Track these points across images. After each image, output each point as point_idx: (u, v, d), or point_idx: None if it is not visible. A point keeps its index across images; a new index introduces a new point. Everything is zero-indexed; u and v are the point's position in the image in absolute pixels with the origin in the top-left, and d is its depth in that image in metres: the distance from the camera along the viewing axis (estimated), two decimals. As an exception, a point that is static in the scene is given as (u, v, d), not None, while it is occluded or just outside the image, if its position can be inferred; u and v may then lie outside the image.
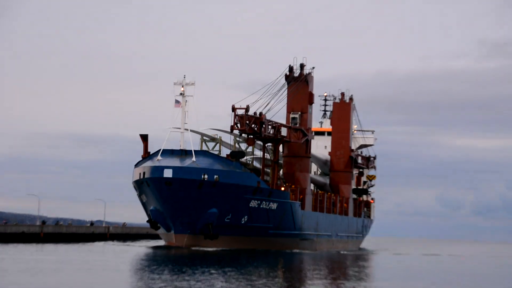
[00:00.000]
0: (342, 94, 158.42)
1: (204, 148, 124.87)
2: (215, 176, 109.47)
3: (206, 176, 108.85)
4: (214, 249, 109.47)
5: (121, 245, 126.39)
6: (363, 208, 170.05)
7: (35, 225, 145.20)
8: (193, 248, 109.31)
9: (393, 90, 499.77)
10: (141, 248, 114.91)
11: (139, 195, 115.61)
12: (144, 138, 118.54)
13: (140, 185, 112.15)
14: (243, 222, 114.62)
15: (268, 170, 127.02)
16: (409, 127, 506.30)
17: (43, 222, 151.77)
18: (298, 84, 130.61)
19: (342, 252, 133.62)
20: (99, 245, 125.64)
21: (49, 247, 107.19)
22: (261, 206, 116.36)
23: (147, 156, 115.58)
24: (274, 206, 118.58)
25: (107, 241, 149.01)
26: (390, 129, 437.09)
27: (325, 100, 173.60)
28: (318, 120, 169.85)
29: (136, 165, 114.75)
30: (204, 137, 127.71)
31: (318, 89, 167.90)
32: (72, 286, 51.08)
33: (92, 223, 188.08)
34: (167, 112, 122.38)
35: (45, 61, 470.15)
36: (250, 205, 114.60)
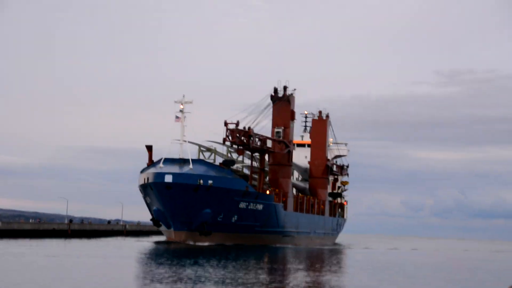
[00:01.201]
0: (320, 112, 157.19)
1: (201, 157, 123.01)
2: (209, 181, 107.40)
3: (201, 181, 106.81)
4: (208, 244, 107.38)
5: (133, 241, 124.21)
6: (337, 209, 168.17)
7: (64, 223, 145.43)
8: (190, 243, 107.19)
9: (366, 111, 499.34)
10: (148, 243, 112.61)
11: (144, 197, 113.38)
12: (149, 148, 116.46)
13: (144, 188, 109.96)
14: (233, 220, 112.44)
15: (256, 176, 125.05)
16: (378, 142, 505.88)
17: (70, 221, 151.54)
18: (282, 103, 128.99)
19: (319, 247, 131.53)
20: (115, 240, 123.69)
21: (75, 242, 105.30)
22: (249, 207, 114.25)
23: (151, 164, 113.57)
24: (260, 207, 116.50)
25: (124, 236, 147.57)
26: (363, 143, 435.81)
27: (306, 117, 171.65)
28: (300, 134, 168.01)
29: (142, 172, 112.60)
30: (201, 148, 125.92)
31: (301, 109, 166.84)
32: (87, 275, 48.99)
33: (109, 222, 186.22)
34: (169, 126, 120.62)
35: (73, 88, 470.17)
36: (240, 206, 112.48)
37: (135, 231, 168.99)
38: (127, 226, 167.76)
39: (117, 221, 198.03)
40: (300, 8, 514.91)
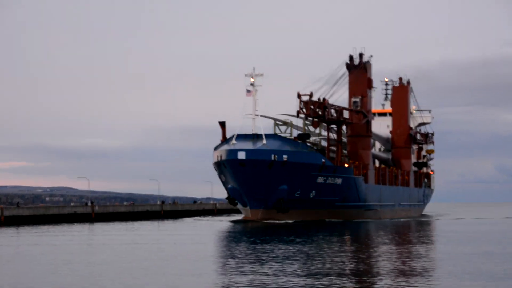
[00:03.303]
0: (400, 78, 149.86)
1: (277, 131, 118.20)
2: (284, 157, 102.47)
3: (275, 157, 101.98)
4: (286, 221, 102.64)
5: (220, 220, 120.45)
6: (423, 179, 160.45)
7: (157, 204, 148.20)
8: (267, 221, 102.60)
9: (450, 76, 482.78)
10: (225, 223, 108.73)
11: (219, 175, 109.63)
12: (222, 124, 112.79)
13: (218, 166, 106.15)
14: (311, 196, 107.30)
15: (333, 149, 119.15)
16: (466, 108, 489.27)
17: (163, 202, 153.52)
18: (358, 72, 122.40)
19: (404, 219, 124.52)
20: (203, 220, 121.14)
21: (168, 223, 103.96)
22: (327, 182, 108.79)
23: (224, 140, 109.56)
24: (339, 181, 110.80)
25: (214, 215, 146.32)
26: (448, 110, 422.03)
27: (386, 85, 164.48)
28: (381, 103, 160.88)
29: (215, 149, 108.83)
30: (277, 122, 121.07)
31: (379, 77, 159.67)
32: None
33: (194, 202, 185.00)
34: (241, 101, 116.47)
35: (156, 70, 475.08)
36: (317, 181, 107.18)
37: (225, 209, 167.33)
38: (217, 205, 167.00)
39: (207, 199, 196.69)
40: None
